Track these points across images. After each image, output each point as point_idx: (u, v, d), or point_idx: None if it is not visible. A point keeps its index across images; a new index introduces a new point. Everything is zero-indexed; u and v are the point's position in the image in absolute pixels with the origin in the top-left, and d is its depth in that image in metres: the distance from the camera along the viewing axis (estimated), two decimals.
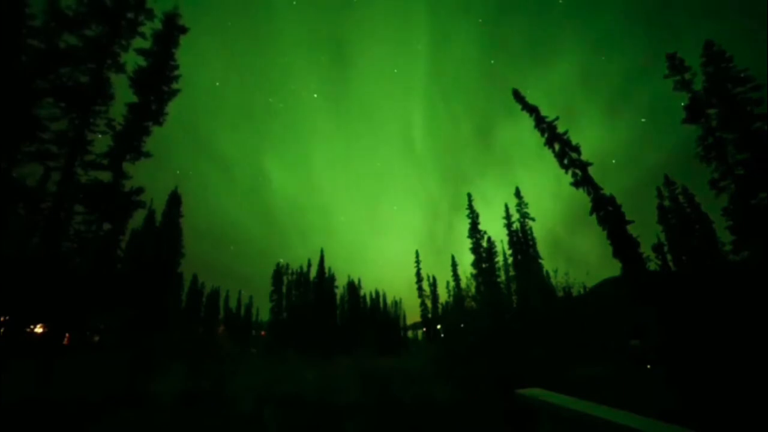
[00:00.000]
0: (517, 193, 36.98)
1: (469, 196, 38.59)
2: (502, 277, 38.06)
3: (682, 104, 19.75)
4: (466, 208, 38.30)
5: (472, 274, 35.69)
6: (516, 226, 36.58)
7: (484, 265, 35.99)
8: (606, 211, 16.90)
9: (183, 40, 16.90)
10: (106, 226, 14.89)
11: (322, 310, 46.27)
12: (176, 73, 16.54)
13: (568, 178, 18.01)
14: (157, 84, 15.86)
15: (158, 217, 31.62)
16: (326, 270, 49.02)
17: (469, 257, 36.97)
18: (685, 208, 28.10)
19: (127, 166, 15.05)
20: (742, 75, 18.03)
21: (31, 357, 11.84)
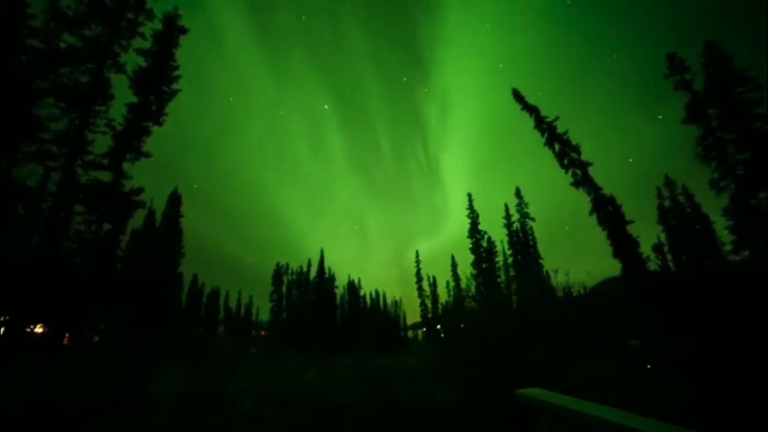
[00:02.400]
0: (518, 193, 36.98)
1: (469, 196, 38.62)
2: (502, 277, 38.06)
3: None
4: (466, 209, 38.31)
5: (472, 274, 35.70)
6: (516, 226, 36.58)
7: (484, 265, 35.98)
8: (606, 211, 16.91)
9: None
10: (106, 226, 14.89)
11: (322, 310, 46.25)
12: (176, 73, 16.54)
13: None
14: (157, 84, 15.86)
15: (158, 217, 31.63)
16: (326, 270, 49.04)
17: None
18: (685, 208, 28.10)
19: (127, 166, 15.06)
20: (742, 75, 18.02)
21: (31, 357, 11.84)
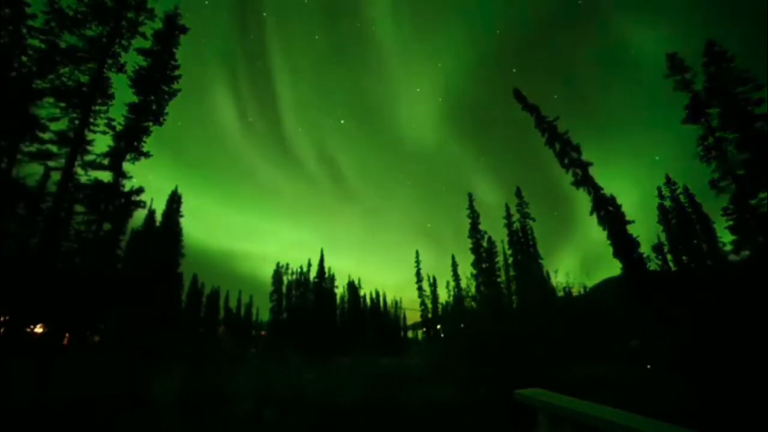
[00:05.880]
0: (518, 193, 36.95)
1: (470, 196, 38.60)
2: (502, 277, 38.04)
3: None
4: (467, 209, 38.31)
5: (472, 274, 35.75)
6: (516, 226, 36.54)
7: (484, 265, 35.97)
8: (606, 211, 16.90)
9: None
10: (106, 226, 14.90)
11: (322, 310, 46.24)
12: (177, 73, 16.54)
13: None
14: (158, 84, 15.86)
15: (158, 217, 31.63)
16: (326, 270, 49.02)
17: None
18: (686, 208, 28.08)
19: (127, 166, 15.08)
20: (743, 75, 18.00)
21: (31, 357, 11.83)
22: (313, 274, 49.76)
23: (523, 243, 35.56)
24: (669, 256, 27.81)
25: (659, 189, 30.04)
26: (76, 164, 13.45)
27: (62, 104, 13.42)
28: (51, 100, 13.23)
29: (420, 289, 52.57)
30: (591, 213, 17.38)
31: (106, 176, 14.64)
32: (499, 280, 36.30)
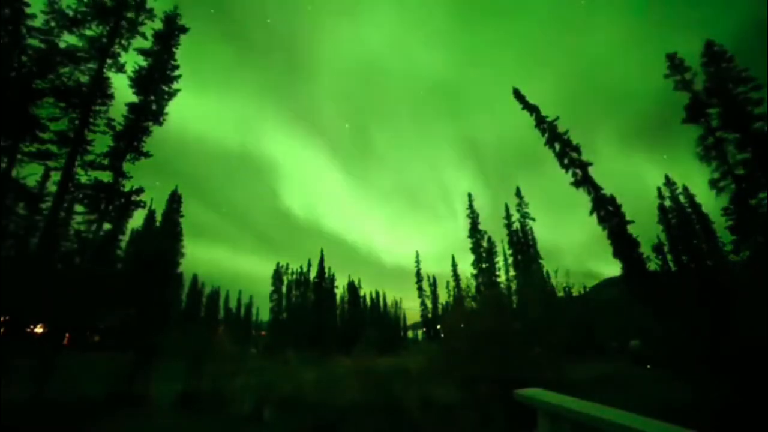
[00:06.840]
0: (518, 193, 36.94)
1: (470, 196, 38.65)
2: (502, 277, 38.04)
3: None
4: (467, 209, 38.34)
5: (472, 274, 35.74)
6: (516, 226, 36.54)
7: (484, 265, 35.97)
8: (606, 211, 16.90)
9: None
10: (106, 226, 14.89)
11: (322, 310, 46.24)
12: (177, 73, 16.55)
13: None
14: (158, 84, 15.86)
15: (158, 217, 31.62)
16: (326, 270, 49.01)
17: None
18: (686, 208, 28.08)
19: (127, 166, 15.06)
20: (743, 75, 18.00)
21: (31, 357, 11.83)
22: (313, 274, 49.80)
23: (522, 243, 35.56)
24: (669, 256, 27.81)
25: (659, 189, 30.03)
26: (76, 164, 13.46)
27: (62, 104, 13.42)
28: (51, 100, 13.23)
29: (420, 289, 52.58)
30: (591, 213, 17.39)
31: (106, 176, 14.64)
32: (499, 280, 36.31)
